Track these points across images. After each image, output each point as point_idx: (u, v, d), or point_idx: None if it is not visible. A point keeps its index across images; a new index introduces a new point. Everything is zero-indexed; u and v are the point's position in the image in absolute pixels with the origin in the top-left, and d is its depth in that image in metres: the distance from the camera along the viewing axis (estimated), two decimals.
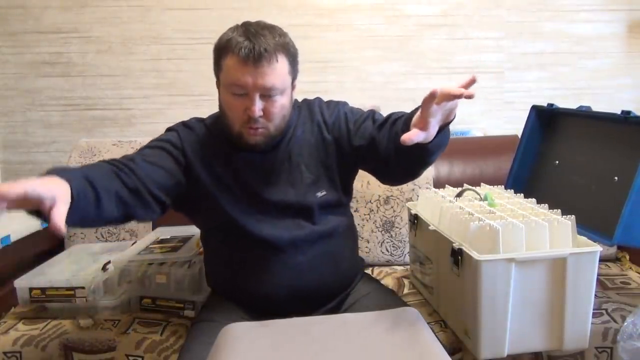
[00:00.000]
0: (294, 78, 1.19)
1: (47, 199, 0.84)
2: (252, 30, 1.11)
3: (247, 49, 1.08)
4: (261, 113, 1.12)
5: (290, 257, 1.19)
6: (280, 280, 1.19)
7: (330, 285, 1.24)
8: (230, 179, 1.21)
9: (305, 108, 1.30)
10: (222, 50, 1.14)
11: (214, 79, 1.20)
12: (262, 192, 1.21)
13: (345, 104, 1.31)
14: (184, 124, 1.27)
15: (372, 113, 1.27)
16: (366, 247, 1.73)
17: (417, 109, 1.02)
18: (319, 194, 1.23)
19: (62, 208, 0.85)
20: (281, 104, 1.15)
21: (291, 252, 1.19)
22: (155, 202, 1.14)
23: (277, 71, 1.11)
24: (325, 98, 1.37)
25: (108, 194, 1.03)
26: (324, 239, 1.23)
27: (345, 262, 1.28)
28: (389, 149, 1.14)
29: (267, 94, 1.12)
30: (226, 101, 1.16)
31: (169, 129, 1.27)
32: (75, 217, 0.95)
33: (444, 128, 1.03)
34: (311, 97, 1.32)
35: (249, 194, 1.21)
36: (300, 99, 1.33)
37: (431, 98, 0.92)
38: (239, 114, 1.14)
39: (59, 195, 0.86)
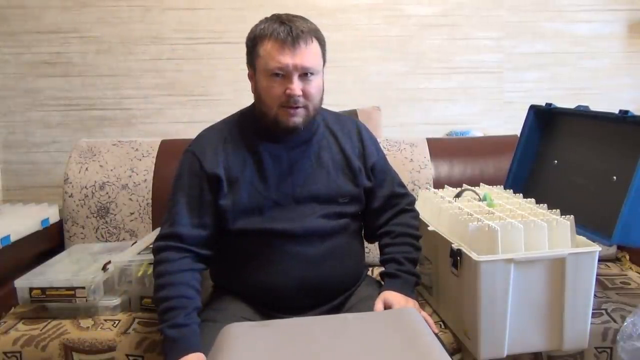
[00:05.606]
0: (324, 63, 1.25)
1: None
2: (284, 17, 1.19)
3: (284, 32, 1.15)
4: (300, 92, 1.17)
5: (303, 249, 1.22)
6: (292, 270, 1.21)
7: (337, 280, 1.26)
8: (253, 170, 1.24)
9: (338, 117, 1.38)
10: (257, 38, 1.20)
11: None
12: (284, 185, 1.24)
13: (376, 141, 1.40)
14: (197, 137, 1.30)
15: (394, 180, 1.38)
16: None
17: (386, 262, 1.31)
18: (342, 200, 1.28)
19: None
20: (317, 85, 1.21)
21: (304, 244, 1.22)
22: (215, 247, 1.26)
23: (312, 52, 1.18)
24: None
25: (198, 293, 1.18)
26: (337, 235, 1.26)
27: (352, 259, 1.31)
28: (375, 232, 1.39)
29: (305, 74, 1.17)
30: (264, 86, 1.20)
31: (185, 151, 1.28)
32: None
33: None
34: None
35: (270, 186, 1.24)
36: None
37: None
38: (278, 96, 1.18)
39: None
